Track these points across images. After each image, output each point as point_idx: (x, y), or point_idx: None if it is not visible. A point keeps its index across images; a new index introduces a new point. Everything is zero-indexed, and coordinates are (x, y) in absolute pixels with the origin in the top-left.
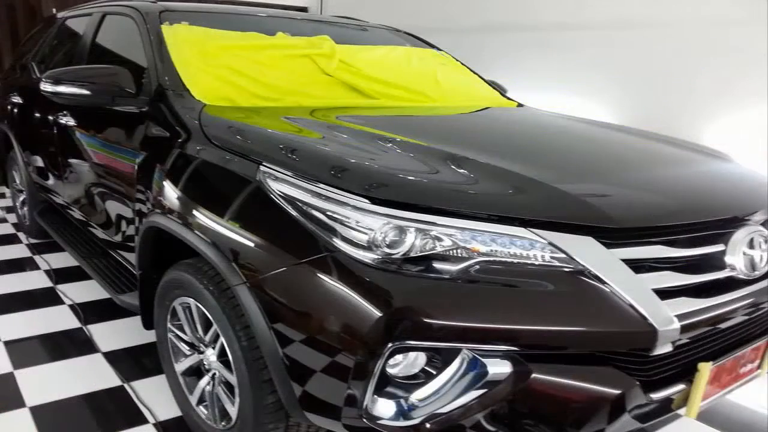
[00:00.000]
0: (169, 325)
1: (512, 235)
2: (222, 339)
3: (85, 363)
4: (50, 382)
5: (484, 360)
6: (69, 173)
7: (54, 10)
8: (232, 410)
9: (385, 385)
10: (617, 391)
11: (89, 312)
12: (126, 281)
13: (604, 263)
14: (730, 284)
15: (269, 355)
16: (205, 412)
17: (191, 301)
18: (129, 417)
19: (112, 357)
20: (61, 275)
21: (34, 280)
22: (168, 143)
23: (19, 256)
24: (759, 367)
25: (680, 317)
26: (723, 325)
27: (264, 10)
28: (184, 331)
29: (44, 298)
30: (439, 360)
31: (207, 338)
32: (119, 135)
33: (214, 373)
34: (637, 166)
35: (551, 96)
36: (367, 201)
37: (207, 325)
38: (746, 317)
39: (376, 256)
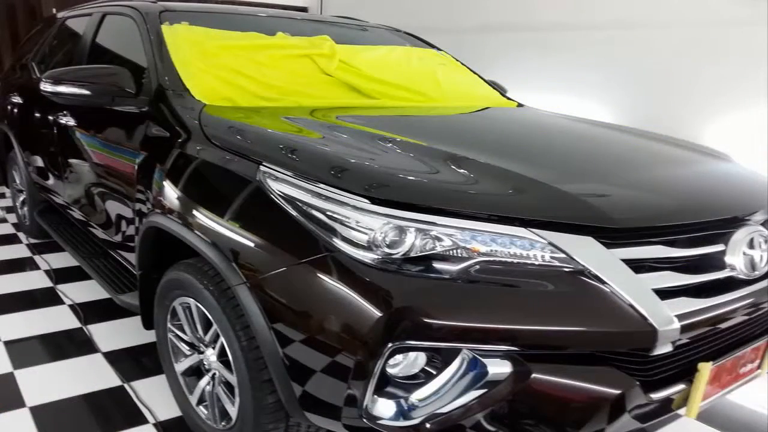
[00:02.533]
0: (169, 325)
1: (512, 235)
2: (222, 339)
3: (85, 363)
4: (50, 382)
5: (484, 360)
6: (69, 173)
7: (54, 10)
8: (232, 410)
9: (385, 385)
10: (617, 391)
11: (89, 312)
12: (126, 281)
13: (604, 263)
14: (730, 284)
15: (269, 355)
16: (205, 412)
17: (191, 301)
18: (129, 417)
19: (112, 357)
20: (61, 275)
21: (34, 280)
22: (168, 143)
23: (19, 256)
24: (759, 367)
25: (680, 317)
26: (723, 325)
27: (264, 10)
28: (184, 331)
29: (44, 298)
30: (439, 360)
31: (207, 338)
32: (119, 135)
33: (214, 373)
34: (637, 166)
35: (551, 96)
36: (367, 201)
37: (207, 325)
38: (746, 317)
39: (376, 256)
